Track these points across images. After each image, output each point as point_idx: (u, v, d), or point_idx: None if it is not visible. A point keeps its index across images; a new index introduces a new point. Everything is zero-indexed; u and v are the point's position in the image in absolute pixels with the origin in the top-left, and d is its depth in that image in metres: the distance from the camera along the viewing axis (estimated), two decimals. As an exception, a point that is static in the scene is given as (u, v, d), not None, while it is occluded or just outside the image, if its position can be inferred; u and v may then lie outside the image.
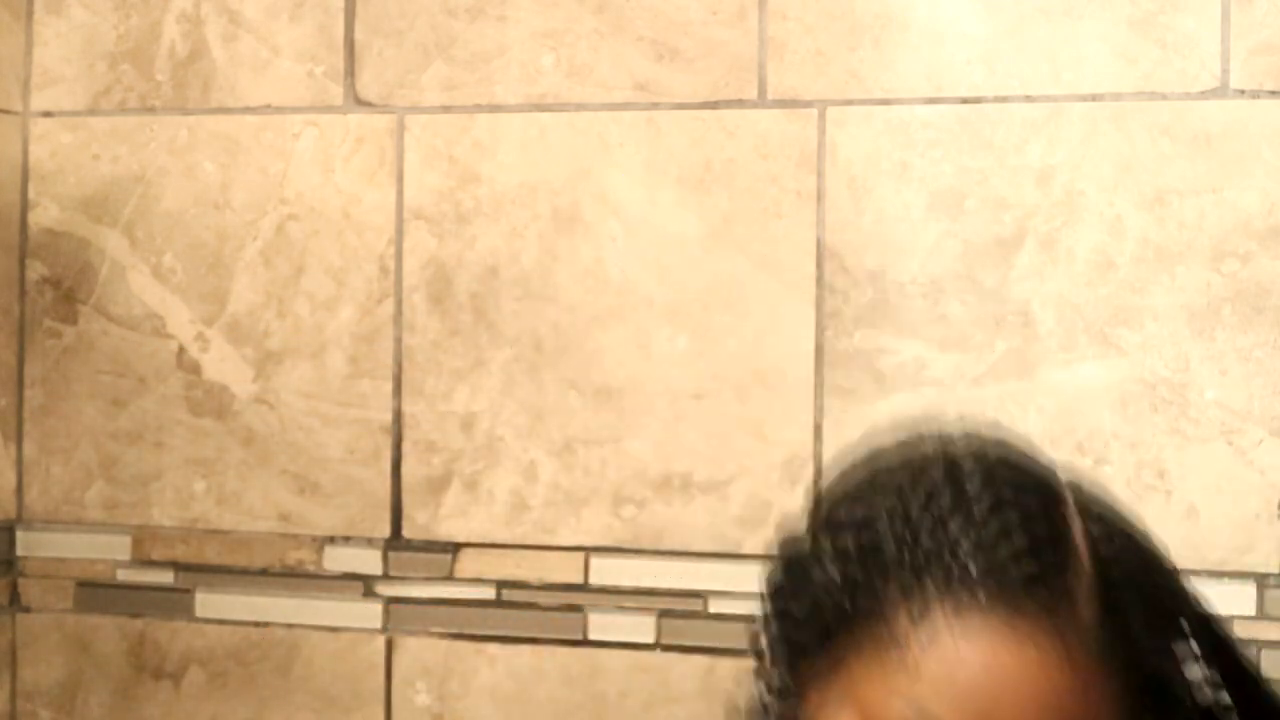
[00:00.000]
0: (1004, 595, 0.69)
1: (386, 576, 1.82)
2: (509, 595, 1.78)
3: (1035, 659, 0.68)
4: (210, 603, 1.87)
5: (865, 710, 0.70)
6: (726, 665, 1.70)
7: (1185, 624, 0.73)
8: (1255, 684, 0.75)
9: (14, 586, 1.92)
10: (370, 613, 1.82)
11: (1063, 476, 0.76)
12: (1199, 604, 0.76)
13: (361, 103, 1.83)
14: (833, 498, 0.76)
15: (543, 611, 1.77)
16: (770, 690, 0.74)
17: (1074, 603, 0.70)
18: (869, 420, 1.68)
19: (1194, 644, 0.73)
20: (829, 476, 0.78)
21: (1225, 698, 0.72)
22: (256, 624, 1.85)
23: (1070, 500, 0.74)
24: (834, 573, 0.72)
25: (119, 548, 1.90)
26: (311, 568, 1.84)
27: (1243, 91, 1.61)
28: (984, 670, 0.68)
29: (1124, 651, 0.70)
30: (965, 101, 1.67)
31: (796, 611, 0.74)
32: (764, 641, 0.75)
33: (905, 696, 0.69)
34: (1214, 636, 0.75)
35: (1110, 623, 0.70)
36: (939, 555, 0.70)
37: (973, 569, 0.69)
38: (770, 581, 0.76)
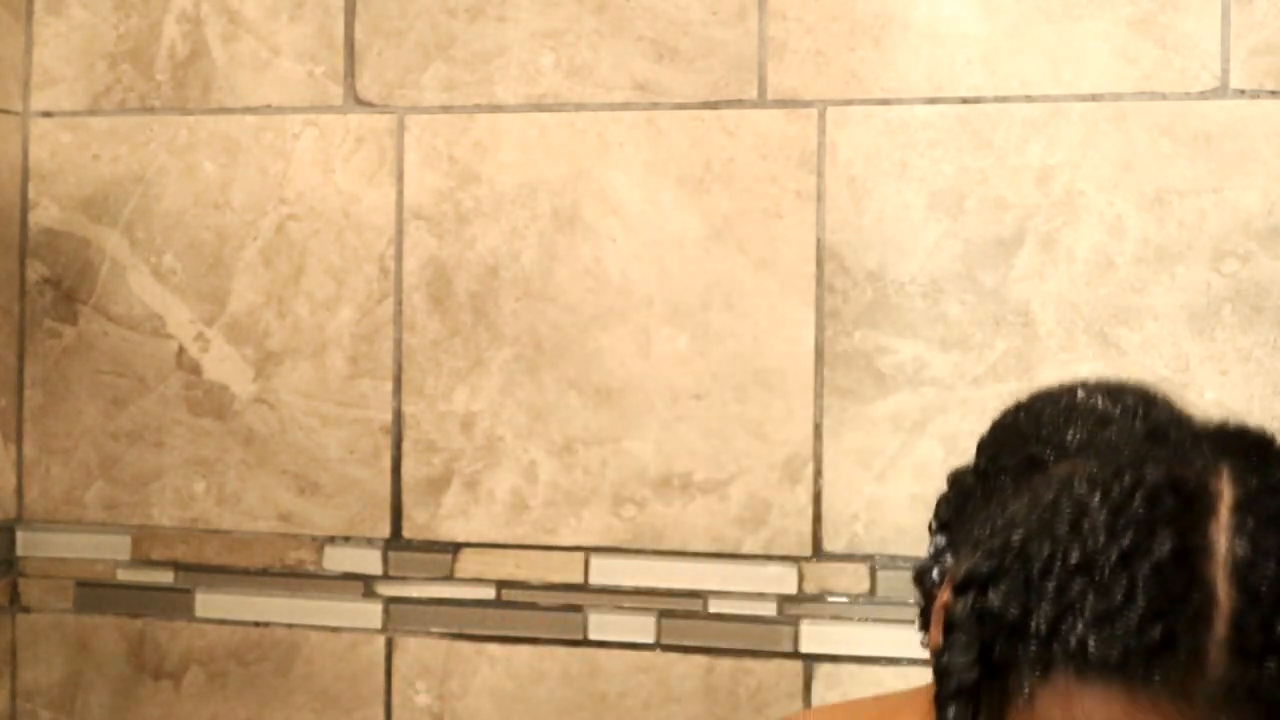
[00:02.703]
0: (1126, 664, 0.66)
1: (386, 576, 1.82)
2: (509, 595, 1.78)
3: None
4: (210, 603, 1.87)
5: None
6: (726, 665, 1.70)
7: None
8: None
9: (14, 586, 1.92)
10: (370, 613, 1.82)
11: (1228, 467, 0.70)
12: None
13: (361, 103, 1.83)
14: (975, 540, 0.75)
15: (543, 611, 1.77)
16: None
17: (1203, 666, 0.66)
18: (869, 420, 1.68)
19: None
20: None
21: None
22: (256, 624, 1.86)
23: (1223, 508, 0.69)
24: (972, 634, 0.72)
25: (119, 548, 1.90)
26: (311, 568, 1.84)
27: (1243, 91, 1.61)
28: None
29: (1262, 709, 0.66)
30: (965, 101, 1.67)
31: (955, 668, 0.73)
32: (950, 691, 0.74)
33: None
34: None
35: (1246, 679, 0.66)
36: (1061, 620, 0.68)
37: (1092, 642, 0.67)
38: (944, 640, 0.75)
